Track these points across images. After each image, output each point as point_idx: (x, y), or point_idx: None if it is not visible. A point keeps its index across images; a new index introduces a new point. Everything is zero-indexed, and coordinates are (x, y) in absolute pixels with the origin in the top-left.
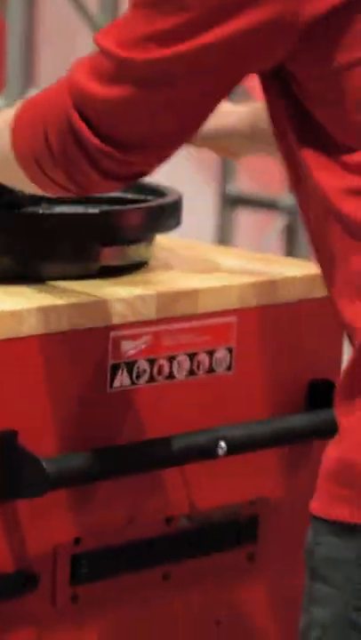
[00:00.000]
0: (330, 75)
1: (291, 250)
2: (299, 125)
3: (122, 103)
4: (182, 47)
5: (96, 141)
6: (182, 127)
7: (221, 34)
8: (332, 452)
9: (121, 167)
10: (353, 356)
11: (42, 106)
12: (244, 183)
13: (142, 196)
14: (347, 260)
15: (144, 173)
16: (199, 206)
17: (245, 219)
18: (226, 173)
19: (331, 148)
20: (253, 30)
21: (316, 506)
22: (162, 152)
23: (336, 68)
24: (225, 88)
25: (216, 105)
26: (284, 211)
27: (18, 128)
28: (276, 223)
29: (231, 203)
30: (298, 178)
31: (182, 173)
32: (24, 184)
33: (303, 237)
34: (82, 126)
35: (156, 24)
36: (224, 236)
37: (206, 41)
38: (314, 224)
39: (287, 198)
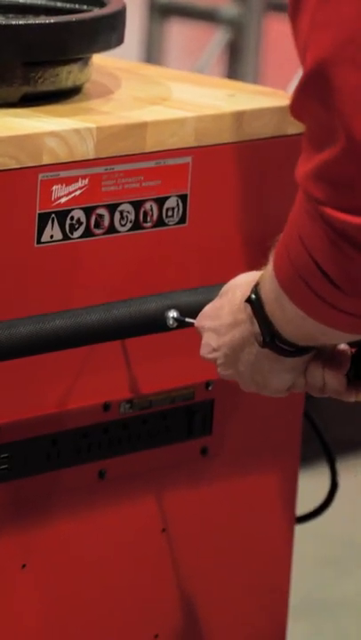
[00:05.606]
0: None
1: (235, 72)
2: None
3: None
4: None
5: None
6: None
7: None
8: None
9: None
10: None
11: None
12: None
13: (75, 5)
14: None
15: None
16: None
17: (178, 32)
18: None
19: None
20: None
21: None
22: None
23: None
24: None
25: None
26: (227, 23)
27: None
28: (217, 38)
29: (161, 12)
30: None
31: None
32: None
33: (249, 56)
34: None
35: None
36: (151, 54)
37: None
38: None
39: (230, 7)
